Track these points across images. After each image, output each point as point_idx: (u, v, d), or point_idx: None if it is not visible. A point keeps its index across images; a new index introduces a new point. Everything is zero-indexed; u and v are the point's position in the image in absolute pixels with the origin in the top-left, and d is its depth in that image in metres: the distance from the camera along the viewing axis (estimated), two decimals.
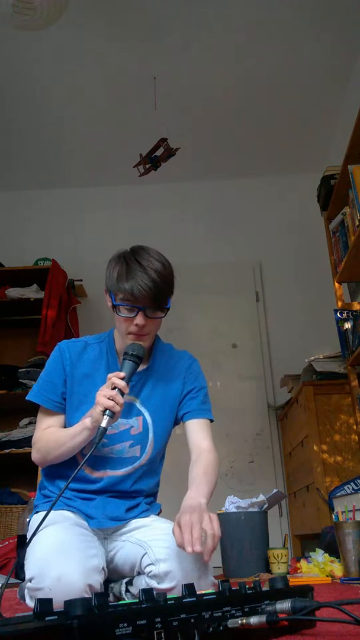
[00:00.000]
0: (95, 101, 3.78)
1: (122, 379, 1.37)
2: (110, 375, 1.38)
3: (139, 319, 1.45)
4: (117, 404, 1.33)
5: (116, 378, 1.36)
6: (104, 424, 1.31)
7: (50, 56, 3.40)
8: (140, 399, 1.57)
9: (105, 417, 1.32)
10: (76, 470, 1.29)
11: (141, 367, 1.58)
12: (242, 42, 3.35)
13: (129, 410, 1.54)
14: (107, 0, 3.05)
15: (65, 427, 1.56)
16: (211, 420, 1.63)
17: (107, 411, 1.32)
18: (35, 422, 1.70)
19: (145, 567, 1.32)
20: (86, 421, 1.40)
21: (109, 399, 1.32)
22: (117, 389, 1.34)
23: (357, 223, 2.63)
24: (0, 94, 3.67)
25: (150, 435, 1.56)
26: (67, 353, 1.58)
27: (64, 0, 2.63)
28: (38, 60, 3.43)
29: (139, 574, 1.38)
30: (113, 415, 1.33)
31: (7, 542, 2.91)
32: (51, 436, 1.52)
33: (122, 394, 1.35)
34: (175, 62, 3.48)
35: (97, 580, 1.25)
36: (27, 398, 1.59)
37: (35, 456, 1.54)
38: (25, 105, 3.78)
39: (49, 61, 3.44)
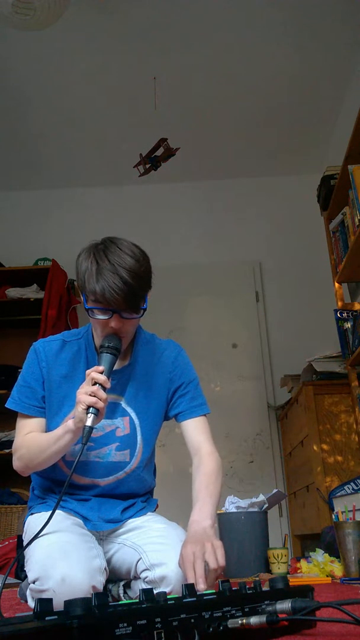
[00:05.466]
0: (95, 101, 3.78)
1: (102, 372, 1.29)
2: (88, 371, 1.30)
3: (114, 323, 1.36)
4: (100, 399, 1.24)
5: (95, 373, 1.28)
6: (89, 422, 1.23)
7: (50, 56, 3.40)
8: (125, 398, 1.49)
9: (89, 415, 1.24)
10: (66, 483, 1.22)
11: (123, 363, 1.51)
12: (242, 42, 3.35)
13: (113, 409, 1.47)
14: (107, 1, 3.04)
15: (46, 431, 1.48)
16: (207, 413, 1.55)
17: (91, 408, 1.24)
18: None
19: (140, 573, 1.30)
20: (69, 423, 1.32)
21: (90, 395, 1.25)
22: (97, 384, 1.27)
23: (357, 223, 2.63)
24: (1, 95, 3.66)
25: (139, 437, 1.49)
26: (42, 354, 1.50)
27: (64, 0, 2.63)
28: (38, 61, 3.42)
29: (135, 578, 1.36)
30: (97, 413, 1.25)
31: (7, 542, 2.91)
32: (33, 442, 1.43)
33: (104, 389, 1.27)
34: (175, 62, 3.48)
35: (100, 580, 1.24)
36: (6, 406, 1.50)
37: (16, 464, 1.46)
38: (24, 105, 3.77)
39: (49, 61, 3.43)
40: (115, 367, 1.43)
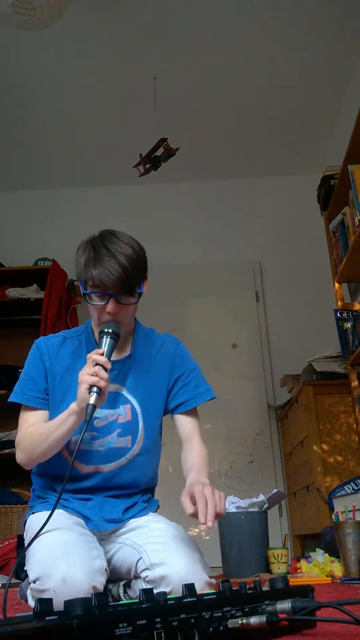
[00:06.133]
0: (95, 101, 3.78)
1: (102, 355, 1.33)
2: (89, 354, 1.34)
3: (111, 306, 1.41)
4: (102, 378, 1.29)
5: (96, 354, 1.33)
6: (92, 400, 1.27)
7: (50, 56, 3.40)
8: (126, 387, 1.53)
9: (92, 394, 1.28)
10: (70, 466, 1.27)
11: (124, 354, 1.55)
12: (242, 42, 3.35)
13: (115, 399, 1.50)
14: (107, 1, 3.05)
15: None
16: (214, 397, 1.63)
17: (94, 387, 1.28)
18: None
19: (141, 572, 1.31)
20: (72, 405, 1.35)
21: (92, 375, 1.29)
22: (99, 366, 1.31)
23: (357, 223, 2.63)
24: (1, 95, 3.66)
25: (141, 424, 1.51)
26: (44, 348, 1.54)
27: (64, 0, 2.63)
28: (38, 61, 3.42)
29: (135, 577, 1.36)
30: (100, 392, 1.29)
31: (7, 542, 2.91)
32: (36, 431, 1.46)
33: (106, 370, 1.31)
34: (175, 62, 3.48)
35: (101, 581, 1.24)
36: (9, 400, 1.52)
37: (19, 456, 1.48)
38: (24, 105, 3.77)
39: (49, 61, 3.44)
40: (116, 358, 1.49)
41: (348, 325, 2.96)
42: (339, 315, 2.99)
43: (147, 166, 3.44)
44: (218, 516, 1.21)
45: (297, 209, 4.33)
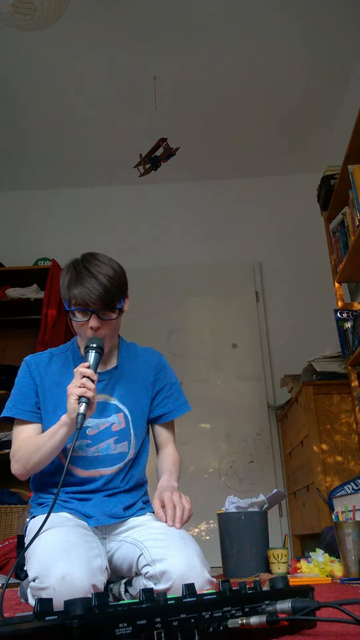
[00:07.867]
0: (95, 101, 3.78)
1: (88, 368, 1.41)
2: (76, 368, 1.42)
3: (93, 322, 1.50)
4: (89, 389, 1.36)
5: (82, 368, 1.40)
6: (81, 410, 1.34)
7: (50, 56, 3.39)
8: (116, 397, 1.60)
9: (81, 404, 1.35)
10: (64, 469, 1.31)
11: (110, 366, 1.64)
12: (242, 41, 3.35)
13: (105, 408, 1.57)
14: (107, 1, 3.04)
15: None
16: (189, 410, 1.74)
17: (82, 398, 1.36)
18: None
19: (142, 568, 1.32)
20: (63, 417, 1.42)
21: (79, 387, 1.37)
22: (85, 378, 1.39)
23: (357, 223, 2.63)
24: (0, 94, 3.66)
25: (132, 431, 1.59)
26: (34, 365, 1.62)
27: (64, 0, 2.63)
28: (38, 61, 3.42)
29: (136, 574, 1.38)
30: (88, 402, 1.36)
31: (7, 542, 2.91)
32: (29, 442, 1.52)
33: (93, 381, 1.39)
34: (175, 62, 3.47)
35: (101, 580, 1.25)
36: (1, 415, 1.59)
37: (14, 467, 1.54)
38: (24, 105, 3.77)
39: (49, 61, 3.43)
40: (103, 370, 1.58)
41: (348, 325, 2.96)
42: (339, 315, 2.99)
43: (147, 166, 3.44)
44: (188, 518, 1.38)
45: (297, 209, 4.33)
